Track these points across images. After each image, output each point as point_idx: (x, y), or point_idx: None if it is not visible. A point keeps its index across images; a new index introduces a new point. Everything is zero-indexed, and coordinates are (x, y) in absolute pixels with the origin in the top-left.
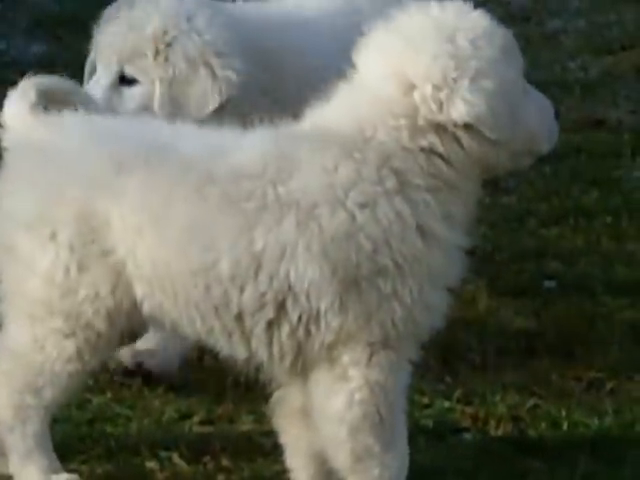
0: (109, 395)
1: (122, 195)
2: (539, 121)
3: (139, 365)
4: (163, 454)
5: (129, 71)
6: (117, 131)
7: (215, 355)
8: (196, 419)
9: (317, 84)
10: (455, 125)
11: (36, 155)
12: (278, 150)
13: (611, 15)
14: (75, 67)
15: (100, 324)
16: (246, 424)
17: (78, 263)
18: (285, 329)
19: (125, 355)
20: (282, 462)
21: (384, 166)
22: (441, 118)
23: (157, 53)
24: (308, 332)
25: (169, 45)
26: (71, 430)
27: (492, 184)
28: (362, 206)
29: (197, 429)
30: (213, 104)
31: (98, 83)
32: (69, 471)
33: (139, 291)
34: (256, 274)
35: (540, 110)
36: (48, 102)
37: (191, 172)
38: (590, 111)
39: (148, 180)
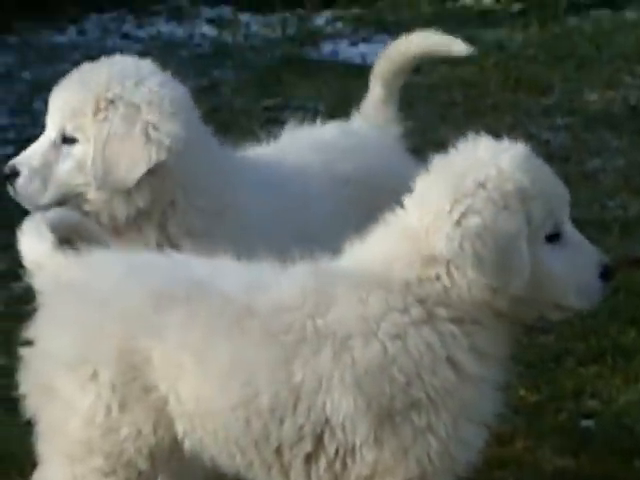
0: None
1: (162, 332)
2: (565, 275)
3: None
4: None
5: (69, 129)
6: (154, 267)
7: None
8: None
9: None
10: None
11: (73, 295)
12: (317, 285)
13: None
14: None
15: (142, 462)
16: None
17: (120, 402)
18: (323, 462)
19: None
20: None
21: (408, 294)
22: (433, 250)
23: (98, 111)
24: (344, 465)
25: (111, 102)
26: None
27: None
28: (393, 337)
29: None
30: (141, 169)
31: (39, 141)
32: None
33: (180, 428)
34: (295, 407)
35: (573, 264)
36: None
37: (230, 307)
38: (629, 250)
39: (188, 316)
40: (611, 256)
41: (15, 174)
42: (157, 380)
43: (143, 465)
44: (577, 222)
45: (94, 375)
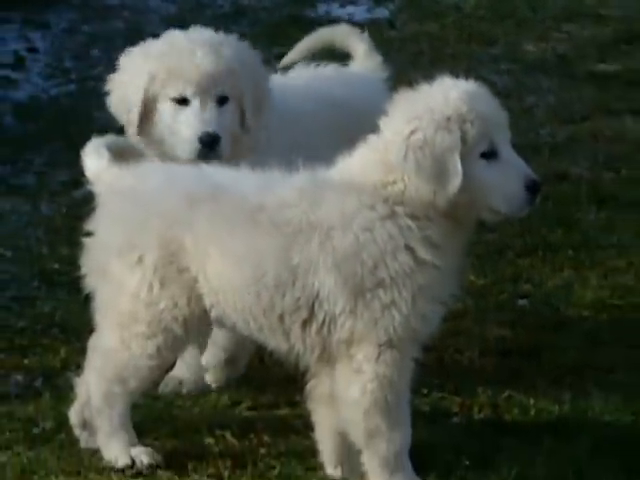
0: None
1: (193, 225)
2: (496, 185)
3: None
4: (218, 432)
5: (224, 91)
6: (186, 174)
7: (260, 357)
8: (244, 406)
9: None
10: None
11: (124, 197)
12: (311, 188)
13: (573, 93)
14: None
15: (177, 328)
16: (283, 410)
17: (160, 281)
18: (314, 327)
19: None
20: (311, 438)
21: (375, 195)
22: (391, 160)
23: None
24: (329, 331)
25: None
26: (147, 413)
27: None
28: (364, 229)
29: (245, 413)
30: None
31: (211, 109)
32: (144, 445)
33: (207, 301)
34: (293, 283)
35: (503, 177)
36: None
37: (246, 204)
38: (556, 168)
39: (212, 212)
40: (541, 172)
41: (217, 140)
42: (189, 263)
43: (178, 331)
44: (516, 146)
45: (140, 259)
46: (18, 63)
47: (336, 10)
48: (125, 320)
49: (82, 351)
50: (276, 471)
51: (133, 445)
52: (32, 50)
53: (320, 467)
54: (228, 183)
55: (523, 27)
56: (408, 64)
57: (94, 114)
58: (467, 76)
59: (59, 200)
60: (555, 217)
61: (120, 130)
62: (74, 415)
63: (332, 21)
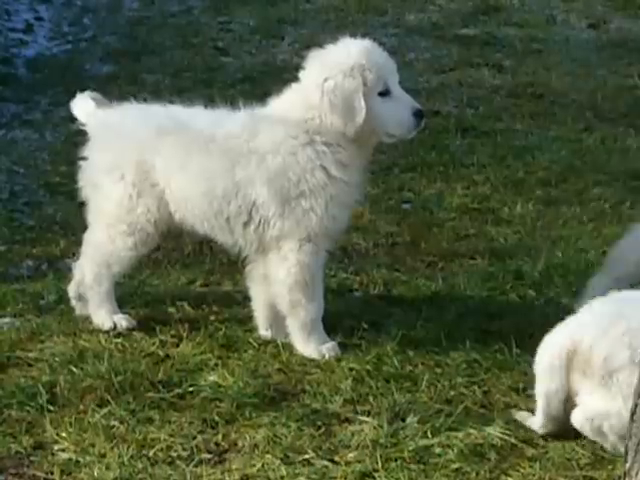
0: (147, 271)
1: (161, 151)
2: (390, 114)
3: None
4: (178, 303)
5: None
6: (157, 112)
7: (210, 247)
8: (198, 283)
9: None
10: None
11: (110, 130)
12: (251, 122)
13: (443, 50)
14: None
15: (150, 228)
16: (227, 286)
17: (137, 193)
18: (252, 227)
19: None
20: (248, 308)
21: (298, 127)
22: (312, 101)
23: None
24: (264, 229)
25: None
26: (125, 289)
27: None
28: (289, 154)
29: (198, 289)
30: None
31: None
32: (123, 313)
33: (172, 207)
34: (236, 194)
35: (396, 108)
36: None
37: (201, 135)
38: (431, 106)
39: (176, 141)
40: (421, 106)
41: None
42: (158, 180)
43: (150, 230)
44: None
45: (122, 177)
46: (28, 29)
47: None
48: (111, 221)
49: (77, 243)
50: (222, 332)
51: (115, 313)
52: (39, 19)
53: (255, 329)
54: (188, 119)
55: (406, 1)
56: (319, 29)
57: (84, 66)
58: (363, 38)
59: (60, 130)
60: (430, 143)
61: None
62: (71, 290)
63: None
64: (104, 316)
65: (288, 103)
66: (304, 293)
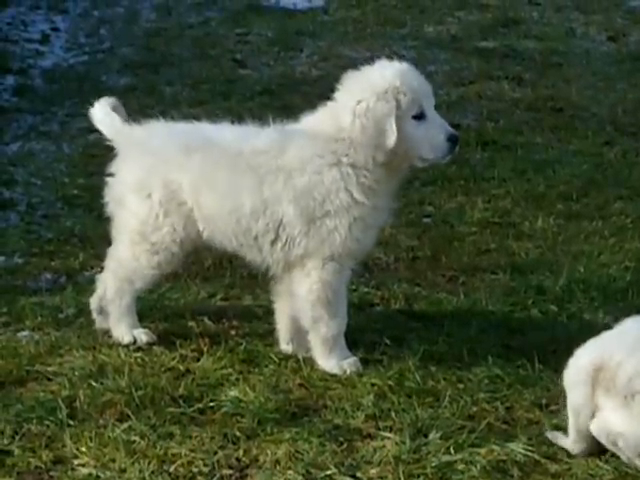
0: (167, 285)
1: (189, 168)
2: (424, 138)
3: None
4: (199, 317)
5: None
6: (184, 129)
7: (230, 261)
8: (218, 297)
9: None
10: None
11: (137, 147)
12: (280, 138)
13: (463, 63)
14: None
15: (174, 247)
16: (247, 300)
17: (164, 212)
18: (279, 245)
19: None
20: (270, 323)
21: (326, 147)
22: (342, 123)
23: None
24: (290, 247)
25: None
26: (144, 303)
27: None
28: (316, 173)
29: (219, 303)
30: None
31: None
32: (143, 327)
33: (200, 225)
34: (264, 212)
35: (430, 132)
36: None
37: (228, 152)
38: (451, 119)
39: (204, 158)
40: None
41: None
42: (186, 198)
43: (175, 250)
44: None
45: (148, 195)
46: (45, 39)
47: (284, 1)
48: (136, 239)
49: (95, 256)
50: (242, 347)
51: (135, 327)
52: (55, 29)
53: (276, 344)
54: (215, 135)
55: (425, 13)
56: (337, 41)
57: (102, 77)
58: (382, 51)
59: (77, 142)
60: (452, 158)
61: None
62: (93, 303)
63: (281, 9)
64: (124, 330)
65: (319, 121)
66: (326, 309)
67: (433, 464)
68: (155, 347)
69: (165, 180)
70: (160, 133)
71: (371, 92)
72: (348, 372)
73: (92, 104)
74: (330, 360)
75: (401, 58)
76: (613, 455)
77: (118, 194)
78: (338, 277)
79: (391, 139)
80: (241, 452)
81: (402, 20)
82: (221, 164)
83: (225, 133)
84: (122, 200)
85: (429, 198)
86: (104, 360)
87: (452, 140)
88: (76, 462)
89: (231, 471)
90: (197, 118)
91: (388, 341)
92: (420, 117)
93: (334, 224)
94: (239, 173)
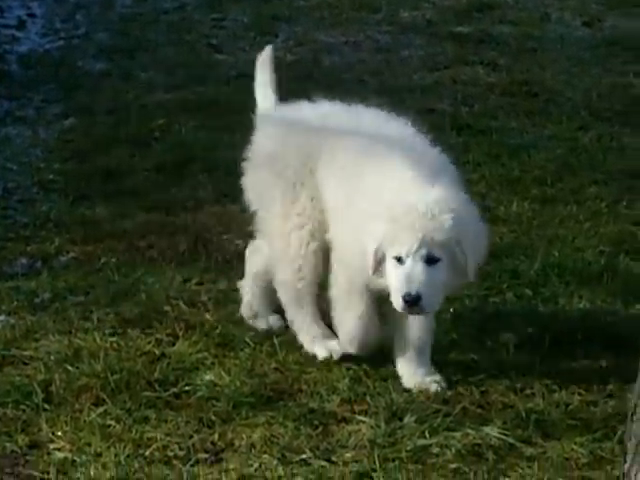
0: (142, 269)
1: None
2: (392, 285)
3: None
4: (174, 302)
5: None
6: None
7: (204, 246)
8: (193, 281)
9: None
10: None
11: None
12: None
13: (438, 48)
14: None
15: None
16: (223, 285)
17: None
18: None
19: None
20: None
21: None
22: None
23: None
24: None
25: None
26: (120, 287)
27: None
28: None
29: (194, 287)
30: None
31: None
32: (116, 311)
33: None
34: None
35: (396, 281)
36: None
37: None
38: (426, 104)
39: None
40: (415, 108)
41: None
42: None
43: None
44: (402, 87)
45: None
46: (21, 25)
47: None
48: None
49: (71, 241)
50: (218, 331)
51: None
52: (31, 15)
53: (252, 329)
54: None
55: None
56: (313, 26)
57: (77, 62)
58: (357, 36)
59: (53, 127)
60: None
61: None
62: (245, 309)
63: None
64: (316, 345)
65: None
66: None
67: (408, 448)
68: (130, 331)
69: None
70: (309, 113)
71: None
72: (331, 356)
73: (68, 90)
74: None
75: (376, 42)
76: (589, 440)
77: (259, 180)
78: None
79: (368, 270)
80: (216, 436)
81: (377, 5)
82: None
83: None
84: (263, 190)
85: None
86: (80, 344)
87: (406, 301)
88: (52, 446)
89: (206, 455)
90: (171, 103)
91: None
92: (399, 260)
93: None
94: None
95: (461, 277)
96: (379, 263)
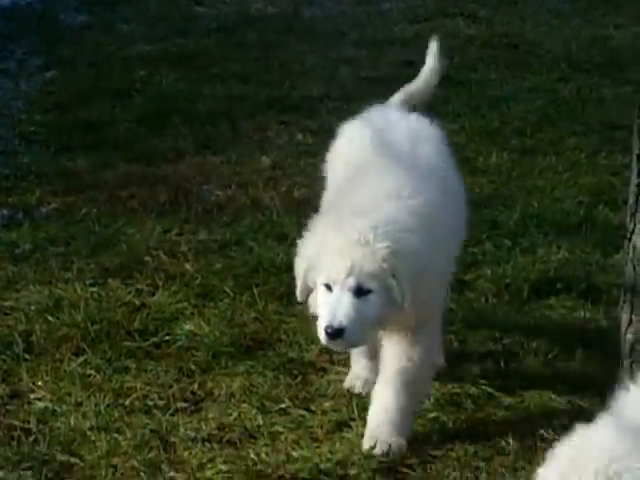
0: (123, 220)
1: None
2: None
3: None
4: (154, 252)
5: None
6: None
7: (185, 196)
8: (173, 232)
9: None
10: None
11: None
12: None
13: (418, 1)
14: None
15: None
16: (203, 235)
17: None
18: None
19: None
20: (224, 257)
21: None
22: None
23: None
24: None
25: None
26: (101, 238)
27: None
28: None
29: (174, 238)
30: None
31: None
32: (96, 262)
33: None
34: None
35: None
36: None
37: None
38: (405, 56)
39: None
40: (394, 60)
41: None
42: None
43: None
44: (380, 39)
45: None
46: None
47: None
48: None
49: (52, 192)
50: (197, 281)
51: None
52: None
53: (230, 279)
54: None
55: None
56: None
57: (59, 15)
58: None
59: (34, 79)
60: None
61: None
62: None
63: None
64: None
65: None
66: None
67: None
68: (110, 281)
69: None
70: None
71: None
72: None
73: (50, 42)
74: None
75: None
76: (567, 388)
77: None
78: None
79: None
80: (196, 385)
81: None
82: None
83: None
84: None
85: None
86: (60, 294)
87: (327, 334)
88: (32, 396)
89: (186, 404)
90: (152, 55)
91: None
92: (328, 288)
93: None
94: None
95: (397, 309)
96: (309, 288)
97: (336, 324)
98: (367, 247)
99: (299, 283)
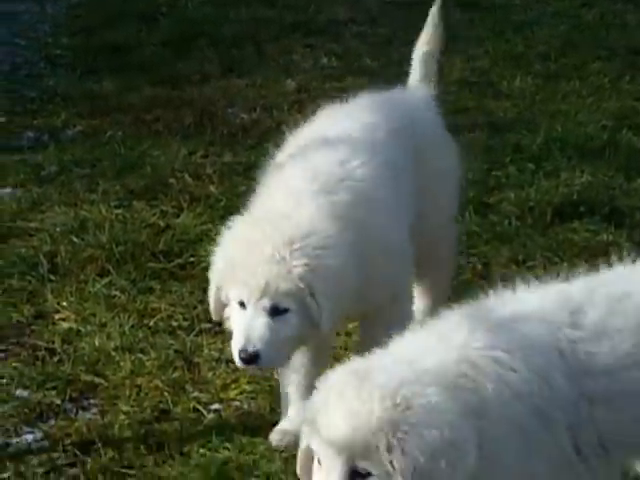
0: (148, 142)
1: None
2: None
3: None
4: (179, 174)
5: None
6: None
7: (210, 119)
8: (198, 154)
9: None
10: None
11: None
12: None
13: None
14: None
15: None
16: (227, 157)
17: None
18: None
19: None
20: (248, 179)
21: None
22: None
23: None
24: None
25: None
26: (126, 160)
27: None
28: None
29: (199, 160)
30: None
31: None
32: (121, 183)
33: None
34: None
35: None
36: None
37: None
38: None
39: None
40: None
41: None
42: None
43: None
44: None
45: None
46: None
47: None
48: None
49: (78, 114)
50: (222, 203)
51: None
52: None
53: None
54: None
55: None
56: None
57: None
58: None
59: (60, 3)
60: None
61: None
62: None
63: None
64: None
65: None
66: None
67: None
68: (135, 203)
69: None
70: None
71: None
72: None
73: None
74: None
75: None
76: None
77: None
78: None
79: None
80: None
81: None
82: None
83: None
84: None
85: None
86: (85, 216)
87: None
88: (57, 316)
89: (210, 325)
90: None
91: None
92: (242, 305)
93: None
94: None
95: (316, 328)
96: (222, 305)
97: (250, 349)
98: (282, 265)
99: (211, 302)
